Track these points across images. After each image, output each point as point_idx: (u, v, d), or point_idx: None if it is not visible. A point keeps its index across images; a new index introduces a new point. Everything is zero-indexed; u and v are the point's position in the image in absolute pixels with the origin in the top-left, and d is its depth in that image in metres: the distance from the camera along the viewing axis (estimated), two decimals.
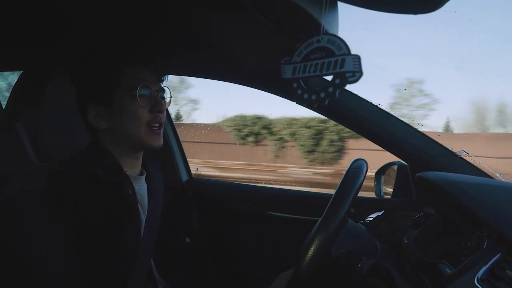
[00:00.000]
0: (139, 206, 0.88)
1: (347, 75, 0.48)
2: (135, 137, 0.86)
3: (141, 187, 0.92)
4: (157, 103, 0.87)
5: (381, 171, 1.42)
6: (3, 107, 1.16)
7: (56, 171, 0.76)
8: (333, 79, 0.50)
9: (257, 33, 0.88)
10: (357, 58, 0.48)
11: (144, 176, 0.94)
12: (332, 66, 0.50)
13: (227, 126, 12.39)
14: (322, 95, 0.51)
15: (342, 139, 11.09)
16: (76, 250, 0.73)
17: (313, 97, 0.52)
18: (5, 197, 0.72)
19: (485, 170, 1.12)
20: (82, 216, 0.74)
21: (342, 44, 0.49)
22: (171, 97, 0.96)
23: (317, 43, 0.51)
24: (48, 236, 0.71)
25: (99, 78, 0.86)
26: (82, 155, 0.84)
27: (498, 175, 1.13)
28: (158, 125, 0.88)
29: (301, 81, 0.53)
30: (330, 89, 0.50)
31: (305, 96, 0.52)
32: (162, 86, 0.92)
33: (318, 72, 0.51)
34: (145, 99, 0.85)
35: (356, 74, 0.48)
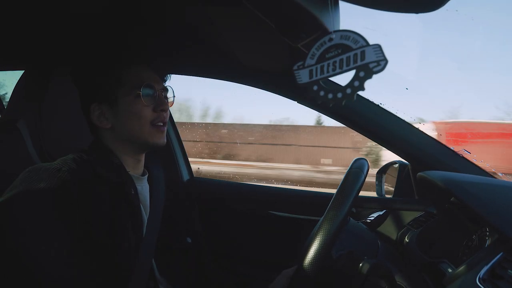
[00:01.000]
0: (142, 206, 0.88)
1: (371, 65, 0.47)
2: (139, 136, 0.86)
3: (143, 188, 0.92)
4: (161, 102, 0.87)
5: (383, 170, 1.42)
6: (5, 106, 1.17)
7: (59, 171, 0.76)
8: (356, 72, 0.48)
9: (260, 33, 0.88)
10: (378, 47, 0.47)
11: (146, 177, 0.94)
12: (352, 61, 0.48)
13: None
14: (349, 90, 0.49)
15: None
16: (79, 250, 0.73)
17: (339, 94, 0.50)
18: (9, 197, 0.72)
19: (487, 170, 1.12)
20: (85, 216, 0.74)
21: (358, 37, 0.48)
22: (174, 96, 0.96)
23: (330, 41, 0.50)
24: (51, 235, 0.71)
25: (102, 78, 0.86)
26: (85, 155, 0.84)
27: (499, 174, 1.12)
28: (162, 123, 0.88)
29: (321, 82, 0.52)
30: (356, 83, 0.48)
31: (330, 96, 0.51)
32: (165, 85, 0.92)
33: (338, 69, 0.50)
34: (149, 98, 0.85)
35: (381, 63, 0.47)
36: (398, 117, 1.18)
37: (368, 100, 1.18)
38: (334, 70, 0.50)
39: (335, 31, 0.50)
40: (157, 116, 0.87)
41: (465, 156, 1.14)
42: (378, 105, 1.19)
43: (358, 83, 0.48)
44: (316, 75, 0.52)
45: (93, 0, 0.86)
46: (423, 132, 1.17)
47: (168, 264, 0.92)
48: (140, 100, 0.84)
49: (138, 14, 0.95)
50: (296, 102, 1.29)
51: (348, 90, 0.49)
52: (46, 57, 1.19)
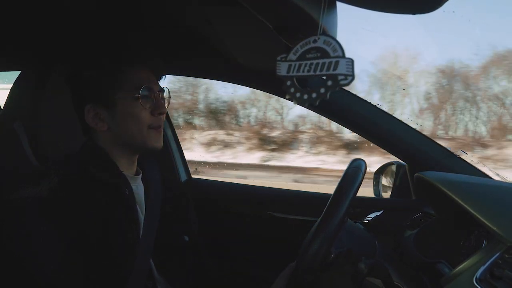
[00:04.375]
0: (137, 206, 0.88)
1: (339, 77, 0.48)
2: (137, 138, 0.85)
3: (138, 187, 0.91)
4: (159, 104, 0.87)
5: (380, 171, 1.42)
6: (1, 107, 1.16)
7: (48, 174, 0.75)
8: (325, 80, 0.50)
9: (256, 33, 0.88)
10: (350, 62, 0.48)
11: (140, 176, 0.93)
12: (326, 68, 0.49)
13: None
14: (314, 95, 0.51)
15: None
16: (75, 252, 0.73)
17: (305, 96, 0.52)
18: (1, 201, 0.72)
19: (483, 170, 1.12)
20: (80, 218, 0.74)
21: (337, 46, 0.49)
22: (170, 96, 0.95)
23: (314, 43, 0.51)
24: (46, 239, 0.71)
25: (100, 79, 0.85)
26: (77, 156, 0.84)
27: (496, 175, 1.13)
28: (158, 126, 0.87)
29: (295, 80, 0.53)
30: (322, 90, 0.50)
31: (298, 95, 0.52)
32: (161, 86, 0.91)
33: (312, 72, 0.51)
34: (148, 100, 0.84)
35: (348, 77, 0.48)
36: (395, 118, 1.19)
37: (365, 100, 1.19)
38: (309, 71, 0.51)
39: (321, 34, 0.51)
40: (155, 120, 0.86)
41: (462, 156, 1.15)
42: (375, 105, 1.19)
43: (324, 90, 0.50)
44: (293, 72, 0.53)
45: (92, 2, 0.86)
46: (420, 133, 1.18)
47: (166, 263, 0.92)
48: (138, 102, 0.83)
49: (136, 14, 0.95)
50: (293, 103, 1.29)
51: (314, 95, 0.51)
52: (43, 57, 1.18)
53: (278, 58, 0.54)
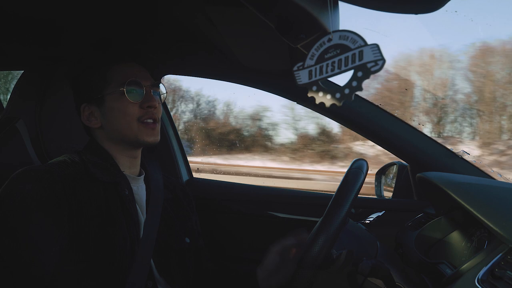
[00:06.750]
0: (138, 206, 0.88)
1: (369, 65, 0.47)
2: (129, 133, 0.85)
3: (140, 188, 0.91)
4: (148, 98, 0.85)
5: (382, 171, 1.42)
6: (4, 106, 1.17)
7: (48, 172, 0.76)
8: (354, 72, 0.49)
9: (259, 34, 0.88)
10: (376, 47, 0.47)
11: (142, 177, 0.94)
12: (350, 61, 0.49)
13: None
14: (347, 91, 0.50)
15: None
16: (74, 252, 0.73)
17: (337, 95, 0.51)
18: (2, 201, 0.72)
19: (485, 171, 1.12)
20: (78, 217, 0.74)
21: (356, 37, 0.48)
22: (165, 92, 0.95)
23: (329, 42, 0.51)
24: (46, 239, 0.71)
25: (88, 78, 0.86)
26: (78, 156, 0.84)
27: (498, 175, 1.13)
28: (151, 120, 0.86)
29: (320, 83, 0.52)
30: (354, 83, 0.49)
31: (328, 96, 0.51)
32: (155, 81, 0.90)
33: (336, 70, 0.50)
34: (134, 94, 0.84)
35: (379, 62, 0.47)
36: (397, 118, 1.18)
37: (367, 101, 1.19)
38: (333, 70, 0.50)
39: (334, 31, 0.50)
40: (145, 113, 0.85)
41: (464, 157, 1.14)
42: (377, 106, 1.19)
43: (356, 83, 0.49)
44: (316, 76, 0.52)
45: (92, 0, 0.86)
46: (422, 133, 1.18)
47: (167, 264, 0.92)
48: (125, 97, 0.83)
49: (128, 11, 0.94)
50: (295, 102, 1.30)
51: (346, 90, 0.50)
52: (46, 57, 1.18)
53: (295, 68, 0.53)
